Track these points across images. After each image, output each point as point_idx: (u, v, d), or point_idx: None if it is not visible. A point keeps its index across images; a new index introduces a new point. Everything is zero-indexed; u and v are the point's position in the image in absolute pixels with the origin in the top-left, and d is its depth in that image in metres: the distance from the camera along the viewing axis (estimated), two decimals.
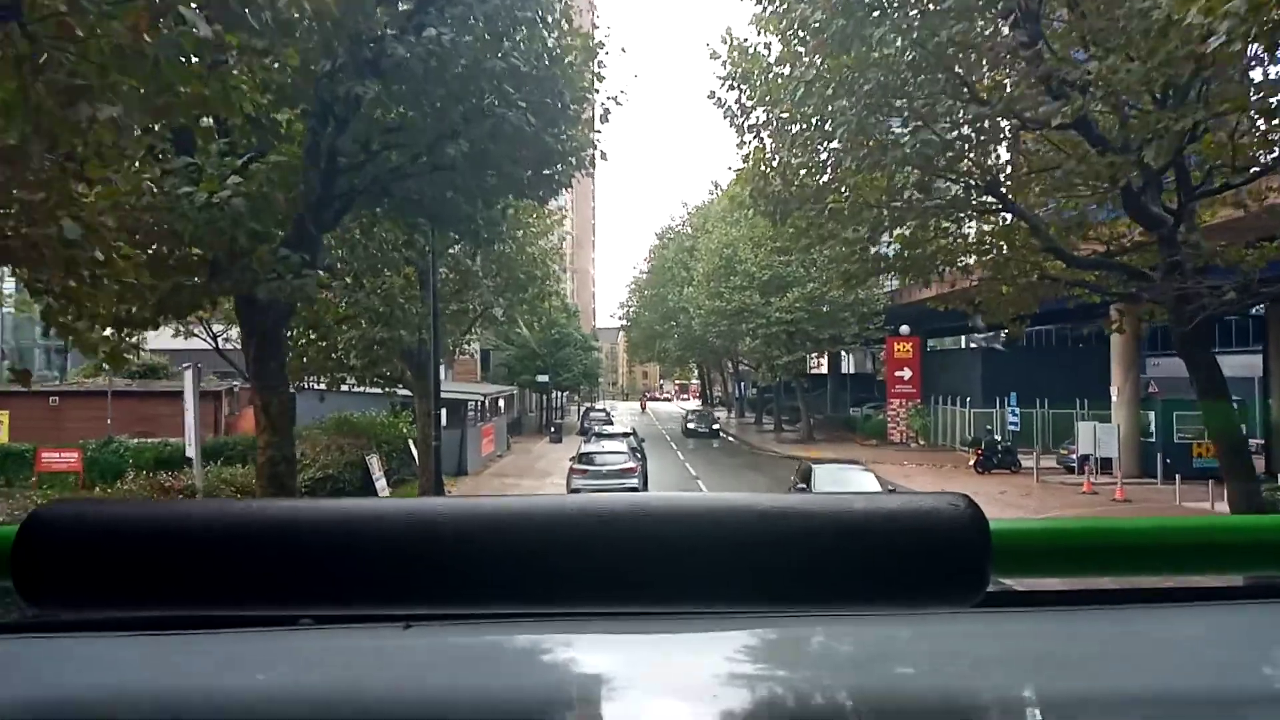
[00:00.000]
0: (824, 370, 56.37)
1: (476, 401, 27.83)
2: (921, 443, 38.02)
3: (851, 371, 64.27)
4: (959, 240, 14.66)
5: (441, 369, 46.59)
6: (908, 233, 14.25)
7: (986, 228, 15.33)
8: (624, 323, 70.08)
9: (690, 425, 48.37)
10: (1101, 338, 47.25)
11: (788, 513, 0.59)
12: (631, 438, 26.71)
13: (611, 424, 46.12)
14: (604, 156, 12.70)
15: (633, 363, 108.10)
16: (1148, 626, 1.08)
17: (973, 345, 45.25)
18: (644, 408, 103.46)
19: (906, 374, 38.93)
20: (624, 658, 1.00)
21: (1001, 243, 14.40)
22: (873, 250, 15.20)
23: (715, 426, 47.96)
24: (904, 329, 40.20)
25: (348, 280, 17.65)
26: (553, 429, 41.04)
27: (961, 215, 14.28)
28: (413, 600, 0.61)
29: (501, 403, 37.36)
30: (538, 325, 47.81)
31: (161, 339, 33.12)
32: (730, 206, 43.73)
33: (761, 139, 13.86)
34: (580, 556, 0.58)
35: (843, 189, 13.72)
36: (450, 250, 19.21)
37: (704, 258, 42.07)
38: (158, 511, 0.60)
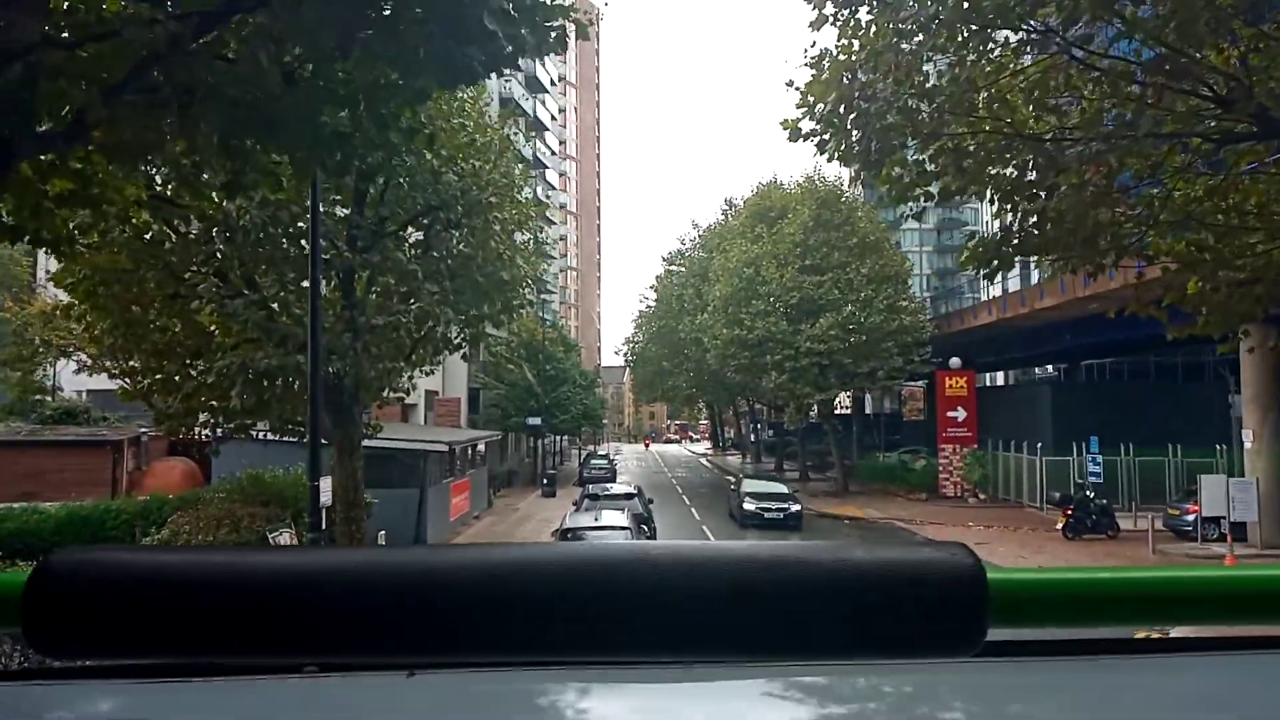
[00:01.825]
0: (848, 410, 50.34)
1: (443, 452, 22.07)
2: (982, 497, 32.05)
3: (877, 411, 58.50)
4: (1174, 198, 8.92)
5: (421, 411, 41.01)
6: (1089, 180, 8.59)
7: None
8: (629, 359, 64.26)
9: (750, 507, 26.75)
10: (1195, 370, 41.67)
11: (788, 562, 0.61)
12: (637, 499, 20.78)
13: (613, 479, 40.23)
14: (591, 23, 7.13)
15: (638, 403, 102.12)
16: (1149, 677, 1.09)
17: (1039, 377, 39.49)
18: (647, 446, 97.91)
19: (960, 414, 33.11)
20: (626, 707, 1.01)
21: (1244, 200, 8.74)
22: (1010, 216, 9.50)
23: (795, 509, 26.82)
24: (954, 361, 34.52)
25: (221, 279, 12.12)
26: (545, 480, 35.20)
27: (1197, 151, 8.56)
28: (417, 648, 0.61)
29: (482, 450, 31.62)
30: (512, 353, 42.38)
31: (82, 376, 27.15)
32: (751, 220, 38.36)
33: (856, 16, 8.17)
34: (583, 606, 0.59)
35: (991, 99, 8.13)
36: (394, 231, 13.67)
37: (720, 279, 36.52)
38: (167, 559, 0.62)
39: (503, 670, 1.01)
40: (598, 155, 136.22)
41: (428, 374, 17.74)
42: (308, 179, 8.55)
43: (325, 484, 10.50)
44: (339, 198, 13.89)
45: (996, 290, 43.79)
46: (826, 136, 8.72)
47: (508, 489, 39.54)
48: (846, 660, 0.71)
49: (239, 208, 11.43)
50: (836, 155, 8.86)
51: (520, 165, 16.61)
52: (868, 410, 54.43)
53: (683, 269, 52.16)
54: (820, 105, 8.60)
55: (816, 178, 36.23)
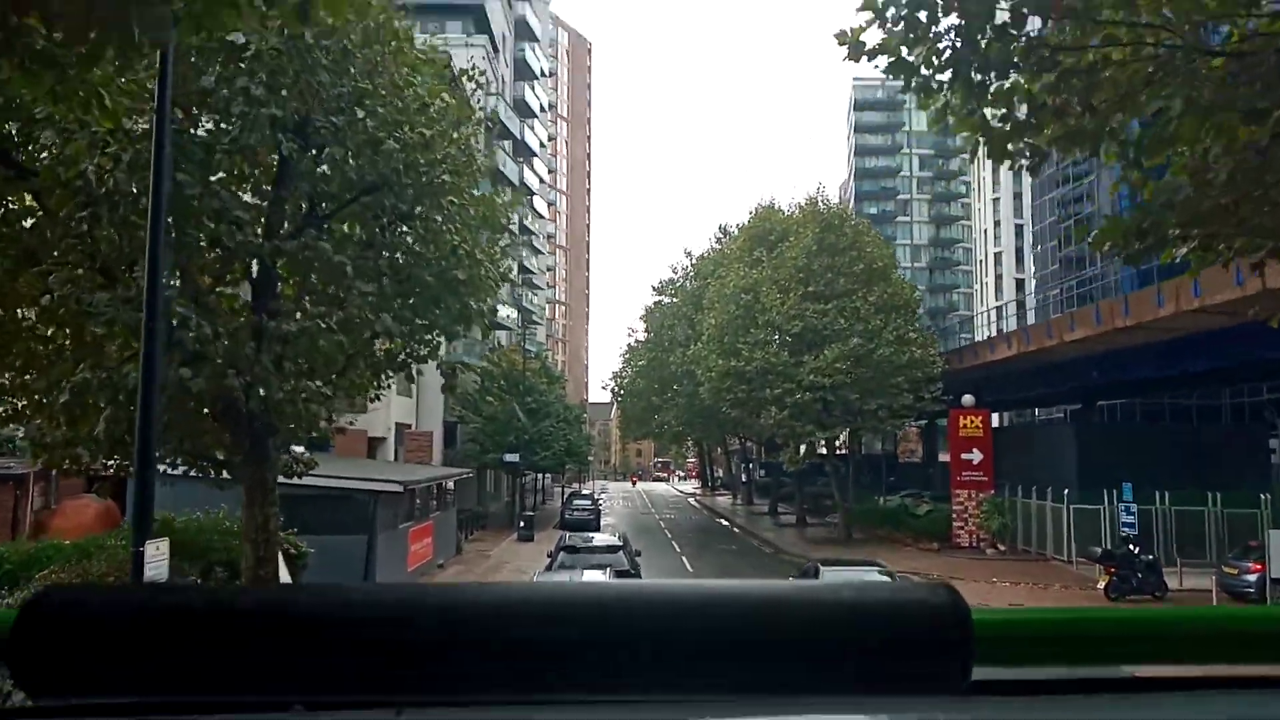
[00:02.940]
0: (842, 450, 47.24)
1: (396, 493, 19.07)
2: (1001, 548, 29.13)
3: (871, 452, 55.67)
4: None
5: (391, 445, 37.91)
6: None
7: None
8: (615, 394, 61.26)
9: None
10: (1213, 412, 39.10)
11: (777, 601, 0.61)
12: (622, 553, 17.77)
13: (596, 522, 37.14)
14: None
15: (625, 440, 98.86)
16: (1139, 716, 1.10)
17: (1056, 416, 36.79)
18: (635, 484, 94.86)
19: (976, 457, 30.30)
20: None
21: None
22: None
23: None
24: (968, 399, 31.81)
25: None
26: (522, 523, 32.10)
27: None
28: (405, 686, 0.61)
29: (451, 489, 28.58)
30: (492, 384, 39.44)
31: None
32: (749, 244, 35.79)
33: None
34: (572, 644, 0.59)
35: None
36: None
37: (715, 306, 33.80)
38: (155, 598, 0.62)
39: (492, 708, 1.00)
40: (588, 189, 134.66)
41: (373, 399, 14.80)
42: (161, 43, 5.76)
43: (156, 549, 7.53)
44: (258, 171, 11.10)
45: (994, 316, 41.27)
46: (905, 50, 5.99)
47: (483, 531, 36.41)
48: (833, 698, 0.71)
49: (99, 167, 8.61)
50: (915, 80, 6.13)
51: (490, 160, 13.74)
52: (863, 451, 51.62)
53: (674, 299, 49.37)
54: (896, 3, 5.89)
55: (820, 199, 33.74)
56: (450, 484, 26.72)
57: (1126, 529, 26.25)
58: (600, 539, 20.19)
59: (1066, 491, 27.00)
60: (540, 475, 54.24)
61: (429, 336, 12.31)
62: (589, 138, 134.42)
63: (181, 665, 0.59)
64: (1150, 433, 32.96)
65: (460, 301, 11.84)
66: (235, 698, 0.81)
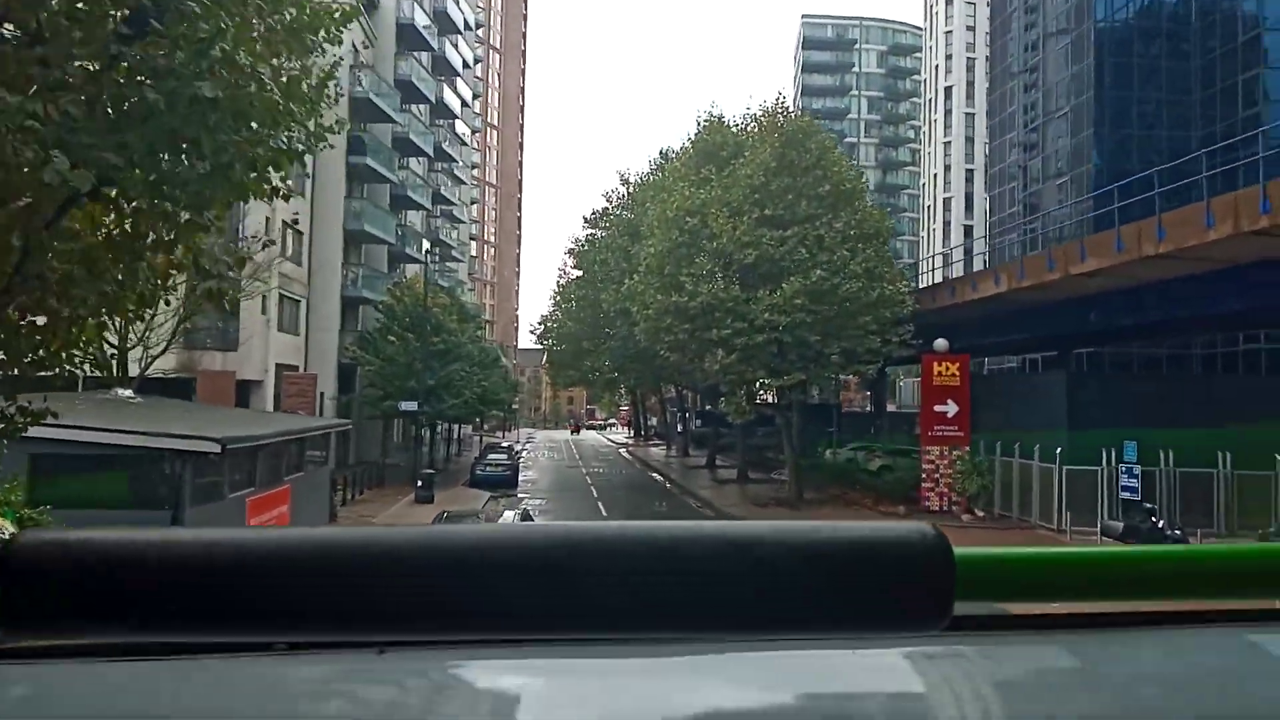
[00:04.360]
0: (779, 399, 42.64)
1: (213, 454, 13.84)
2: (979, 514, 25.23)
3: (813, 400, 51.66)
4: None
5: (269, 391, 32.26)
6: None
7: None
8: (546, 339, 56.03)
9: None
10: (1249, 360, 35.76)
11: (756, 540, 0.61)
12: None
13: (513, 479, 32.57)
14: None
15: (556, 387, 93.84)
16: (1117, 651, 1.10)
17: (1009, 365, 32.98)
18: (577, 432, 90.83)
19: (951, 409, 26.21)
20: (597, 684, 1.01)
21: None
22: None
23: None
24: (940, 343, 27.64)
25: None
26: (420, 482, 27.06)
27: None
28: (387, 626, 0.62)
29: (331, 443, 23.38)
30: (393, 321, 34.07)
31: None
32: (696, 161, 30.74)
33: None
34: (550, 584, 0.60)
35: None
36: None
37: (654, 232, 28.78)
38: (135, 540, 0.61)
39: (474, 647, 1.01)
40: (521, 125, 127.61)
41: (137, 318, 9.50)
42: None
43: None
44: None
45: (939, 262, 37.28)
46: None
47: (378, 490, 31.33)
48: (816, 636, 0.73)
49: None
50: None
51: None
52: (809, 400, 47.42)
53: (608, 232, 44.05)
54: None
55: (779, 110, 28.81)
56: (305, 440, 21.42)
57: (1127, 494, 22.61)
58: (497, 506, 15.38)
59: (1060, 451, 23.13)
60: (456, 426, 49.10)
61: (175, 194, 7.05)
62: (523, 71, 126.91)
63: (162, 606, 0.59)
64: (1155, 383, 29.26)
65: (214, 139, 6.61)
66: (216, 638, 0.80)
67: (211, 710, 0.92)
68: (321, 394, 31.32)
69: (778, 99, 29.21)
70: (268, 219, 32.08)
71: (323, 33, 7.65)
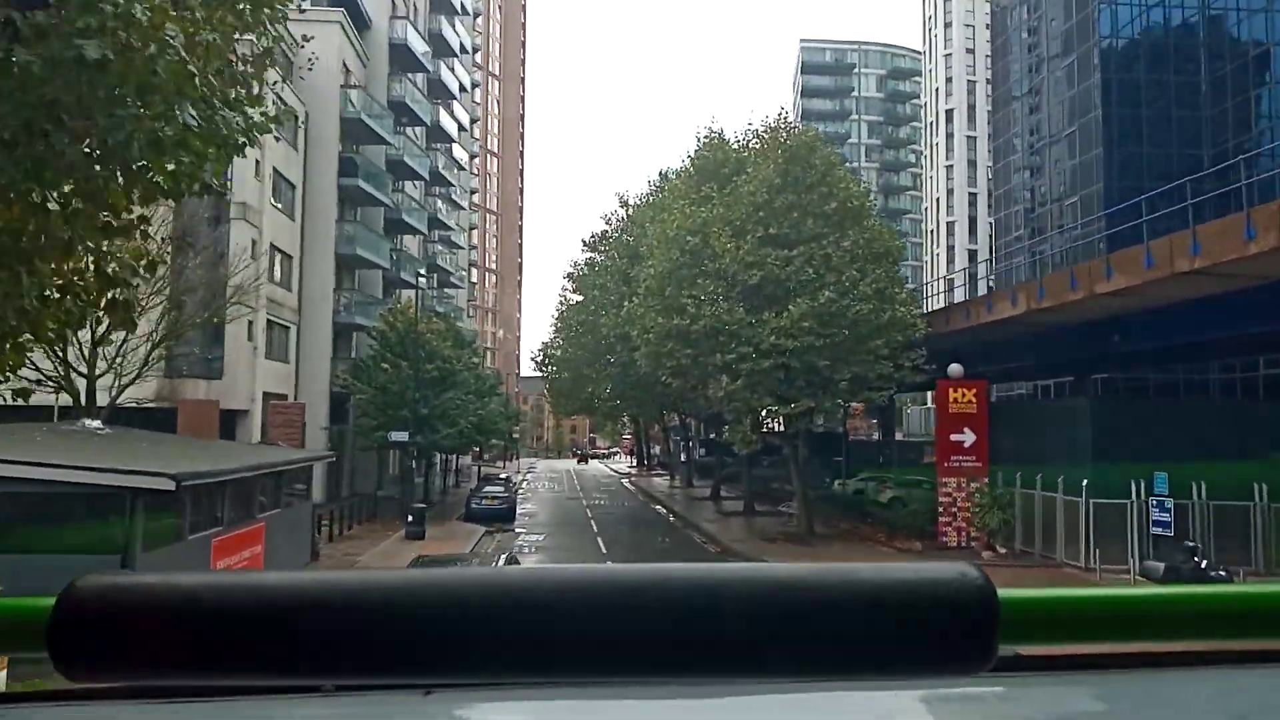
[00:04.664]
0: (784, 429, 40.87)
1: (166, 491, 12.51)
2: (1001, 550, 23.81)
3: (817, 428, 50.16)
4: None
5: (257, 420, 30.95)
6: None
7: None
8: (546, 366, 54.71)
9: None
10: (1229, 388, 34.44)
11: (801, 582, 0.62)
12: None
13: (509, 513, 31.31)
14: None
15: (558, 415, 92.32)
16: (1160, 692, 1.12)
17: (1018, 392, 31.65)
18: (585, 462, 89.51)
19: (968, 438, 24.87)
20: None
21: None
22: None
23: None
24: (955, 368, 26.39)
25: None
26: (410, 517, 25.71)
27: None
28: (434, 668, 0.62)
29: (317, 476, 22.07)
30: (387, 347, 32.86)
31: None
32: (696, 179, 29.65)
33: None
34: (597, 626, 0.61)
35: None
36: None
37: (654, 253, 27.60)
38: (189, 583, 0.63)
39: (521, 689, 1.01)
40: (521, 152, 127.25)
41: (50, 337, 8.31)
42: None
43: None
44: None
45: (942, 286, 36.09)
46: None
47: (368, 523, 29.95)
48: (857, 679, 0.72)
49: None
50: None
51: None
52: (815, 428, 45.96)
53: (607, 256, 42.89)
54: None
55: (781, 125, 27.76)
56: (280, 475, 20.11)
57: (1159, 529, 21.24)
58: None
59: (1085, 483, 21.78)
60: (454, 455, 47.71)
61: (58, 180, 5.81)
62: (523, 98, 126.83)
63: (215, 649, 0.60)
64: (1183, 410, 27.91)
65: (105, 112, 5.38)
66: (267, 680, 0.80)
67: None
68: (304, 425, 29.98)
69: (780, 114, 28.17)
70: (254, 241, 31.02)
71: (266, 9, 6.50)
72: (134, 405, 24.08)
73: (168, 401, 27.54)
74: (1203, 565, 16.66)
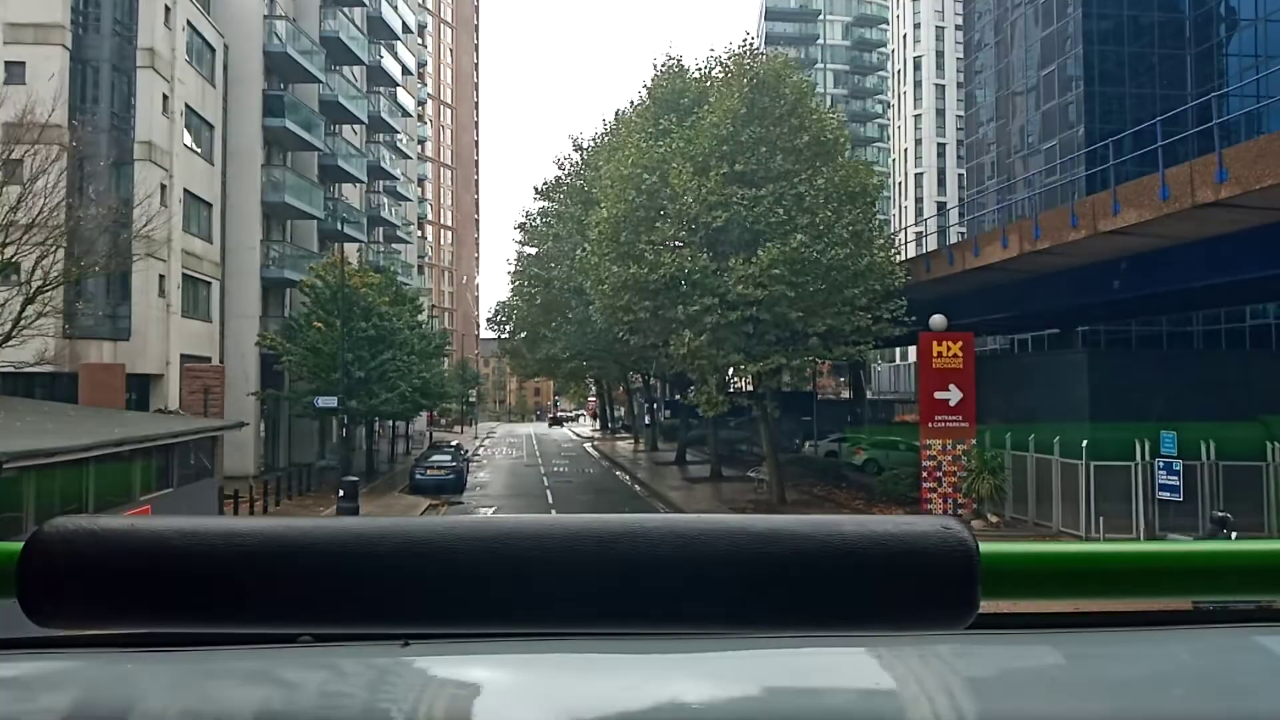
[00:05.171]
0: (750, 387, 38.32)
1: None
2: (993, 519, 21.78)
3: (790, 388, 48.05)
4: None
5: (172, 387, 27.89)
6: None
7: None
8: (503, 324, 51.86)
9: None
10: (1237, 336, 32.46)
11: (780, 535, 0.61)
12: None
13: (458, 483, 28.89)
14: None
15: (517, 377, 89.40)
16: (1138, 648, 1.11)
17: (994, 347, 29.64)
18: (559, 424, 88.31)
19: (954, 396, 22.68)
20: (616, 678, 1.02)
21: None
22: None
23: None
24: (938, 319, 24.12)
25: None
26: (341, 491, 23.10)
27: None
28: (411, 618, 0.62)
29: (249, 445, 19.34)
30: (318, 303, 30.05)
31: None
32: (655, 111, 26.84)
33: None
34: (576, 576, 0.60)
35: None
36: None
37: (608, 194, 24.87)
38: (161, 528, 0.61)
39: (496, 640, 1.01)
40: (476, 103, 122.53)
41: None
42: None
43: None
44: None
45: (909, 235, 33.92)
46: None
47: (300, 497, 27.27)
48: (838, 633, 0.72)
49: None
50: None
51: None
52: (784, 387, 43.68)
53: (562, 201, 39.96)
54: None
55: (747, 52, 24.99)
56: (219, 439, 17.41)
57: (1166, 493, 19.34)
58: None
59: (1085, 444, 19.76)
60: (406, 422, 44.92)
61: None
62: (477, 46, 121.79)
63: (189, 596, 0.59)
64: (1188, 364, 25.95)
65: None
66: (242, 629, 0.80)
67: (237, 701, 0.93)
68: (224, 390, 27.05)
69: (746, 40, 25.41)
70: (163, 185, 27.79)
71: None
72: (23, 369, 21.14)
73: (67, 366, 24.53)
74: (1233, 538, 14.72)
